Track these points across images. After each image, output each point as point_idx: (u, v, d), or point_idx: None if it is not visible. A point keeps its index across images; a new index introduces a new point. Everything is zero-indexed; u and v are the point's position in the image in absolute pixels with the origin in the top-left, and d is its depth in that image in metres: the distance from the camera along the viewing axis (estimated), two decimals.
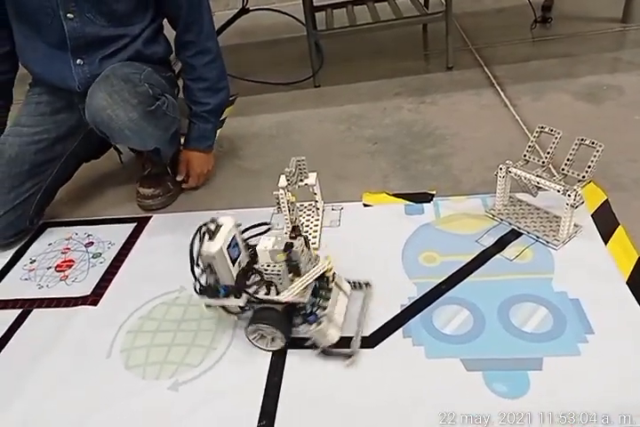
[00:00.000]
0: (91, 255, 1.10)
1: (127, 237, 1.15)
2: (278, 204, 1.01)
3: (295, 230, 0.79)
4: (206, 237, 0.74)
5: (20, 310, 0.97)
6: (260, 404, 0.73)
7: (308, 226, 1.08)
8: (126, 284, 1.00)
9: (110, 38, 1.06)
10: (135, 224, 1.19)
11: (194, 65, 1.14)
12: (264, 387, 0.75)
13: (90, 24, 1.03)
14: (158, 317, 0.91)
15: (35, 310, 0.97)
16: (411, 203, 1.09)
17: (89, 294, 0.99)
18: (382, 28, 1.79)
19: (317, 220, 1.09)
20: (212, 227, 0.75)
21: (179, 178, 1.25)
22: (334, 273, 0.81)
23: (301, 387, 0.74)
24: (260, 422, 0.71)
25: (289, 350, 0.80)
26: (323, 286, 0.80)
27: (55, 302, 0.98)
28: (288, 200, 1.01)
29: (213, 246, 0.73)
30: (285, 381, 0.75)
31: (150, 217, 1.21)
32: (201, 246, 0.74)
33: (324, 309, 0.77)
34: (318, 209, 1.11)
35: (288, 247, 0.74)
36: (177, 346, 0.85)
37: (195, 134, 1.22)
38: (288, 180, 1.04)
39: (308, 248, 0.79)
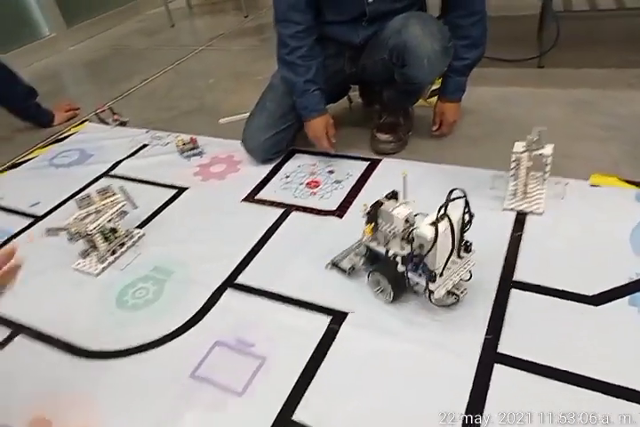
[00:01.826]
0: (333, 180, 1.32)
1: (362, 171, 1.34)
2: (517, 166, 1.11)
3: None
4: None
5: (282, 210, 1.22)
6: (487, 321, 0.87)
7: (532, 193, 1.16)
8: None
9: (394, 10, 1.24)
10: (368, 163, 1.37)
11: (462, 25, 1.26)
12: (490, 312, 0.89)
13: (383, 4, 1.23)
14: None
15: (293, 213, 1.21)
16: None
17: (335, 209, 1.20)
18: (626, 16, 1.73)
19: (542, 189, 1.17)
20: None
21: (434, 128, 1.42)
22: None
23: (526, 316, 0.87)
24: (487, 334, 0.85)
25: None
26: None
27: (309, 209, 1.22)
28: (527, 166, 1.10)
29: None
30: (509, 309, 0.88)
31: (380, 160, 1.38)
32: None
33: None
34: (545, 180, 1.18)
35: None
36: None
37: (451, 88, 1.37)
38: (528, 146, 1.13)
39: None
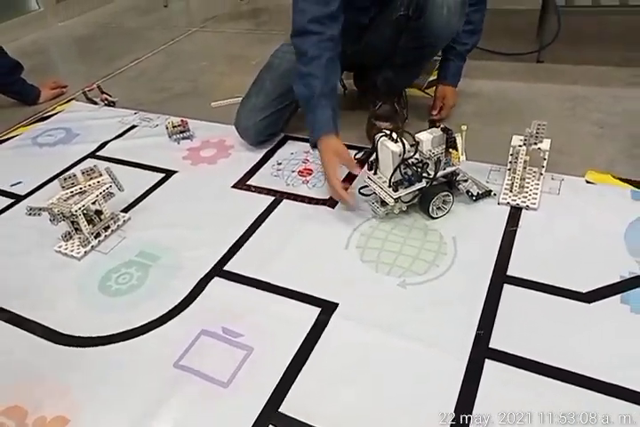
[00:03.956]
0: None
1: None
2: (516, 160, 1.10)
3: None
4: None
5: (272, 198, 1.19)
6: (479, 316, 0.85)
7: (527, 188, 1.15)
8: (358, 198, 1.17)
9: None
10: (363, 152, 1.34)
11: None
12: (482, 307, 0.87)
13: None
14: (387, 229, 1.07)
15: (284, 201, 1.18)
16: (639, 190, 1.11)
17: (327, 198, 1.18)
18: (628, 13, 1.71)
19: (537, 184, 1.16)
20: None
21: (434, 112, 1.41)
22: None
23: (518, 312, 0.86)
24: (478, 329, 0.83)
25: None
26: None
27: (300, 198, 1.19)
28: (524, 160, 1.09)
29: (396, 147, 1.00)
30: (502, 305, 0.87)
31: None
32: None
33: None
34: (541, 175, 1.17)
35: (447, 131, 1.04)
36: (404, 255, 1.00)
37: (452, 71, 1.38)
38: (525, 141, 1.11)
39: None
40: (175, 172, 1.33)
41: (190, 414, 0.75)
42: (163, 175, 1.32)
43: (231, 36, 2.36)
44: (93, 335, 0.89)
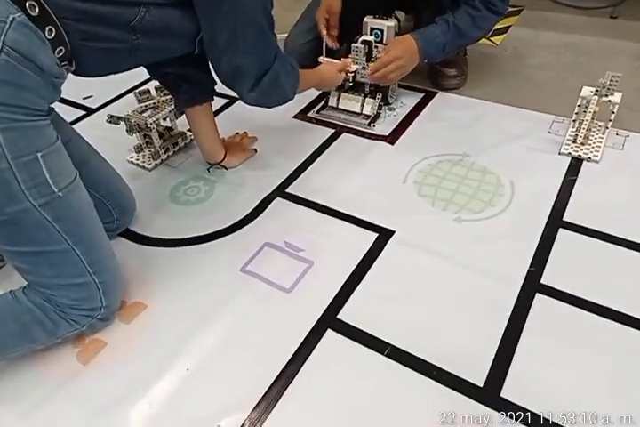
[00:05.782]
0: (387, 108, 1.29)
1: (417, 102, 1.31)
2: (584, 110, 1.09)
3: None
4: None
5: (332, 131, 1.22)
6: (533, 254, 0.89)
7: (591, 139, 1.14)
8: (416, 137, 1.18)
9: None
10: (423, 95, 1.34)
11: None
12: (536, 247, 0.90)
13: None
14: (445, 169, 1.09)
15: (344, 134, 1.20)
16: None
17: (387, 135, 1.19)
18: None
19: (601, 137, 1.15)
20: None
21: (379, 55, 1.19)
22: None
23: (571, 254, 0.89)
24: (531, 266, 0.87)
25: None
26: None
27: (360, 132, 1.21)
28: (594, 110, 1.08)
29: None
30: (555, 247, 0.90)
31: (436, 93, 1.35)
32: None
33: None
34: (607, 129, 1.16)
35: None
36: (460, 194, 1.02)
37: (428, 32, 1.17)
38: (597, 91, 1.09)
39: None
40: (237, 99, 1.35)
41: (256, 311, 0.82)
42: (226, 101, 1.35)
43: None
44: (168, 237, 0.96)
